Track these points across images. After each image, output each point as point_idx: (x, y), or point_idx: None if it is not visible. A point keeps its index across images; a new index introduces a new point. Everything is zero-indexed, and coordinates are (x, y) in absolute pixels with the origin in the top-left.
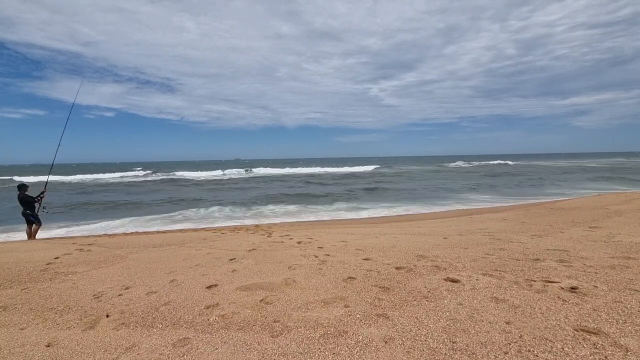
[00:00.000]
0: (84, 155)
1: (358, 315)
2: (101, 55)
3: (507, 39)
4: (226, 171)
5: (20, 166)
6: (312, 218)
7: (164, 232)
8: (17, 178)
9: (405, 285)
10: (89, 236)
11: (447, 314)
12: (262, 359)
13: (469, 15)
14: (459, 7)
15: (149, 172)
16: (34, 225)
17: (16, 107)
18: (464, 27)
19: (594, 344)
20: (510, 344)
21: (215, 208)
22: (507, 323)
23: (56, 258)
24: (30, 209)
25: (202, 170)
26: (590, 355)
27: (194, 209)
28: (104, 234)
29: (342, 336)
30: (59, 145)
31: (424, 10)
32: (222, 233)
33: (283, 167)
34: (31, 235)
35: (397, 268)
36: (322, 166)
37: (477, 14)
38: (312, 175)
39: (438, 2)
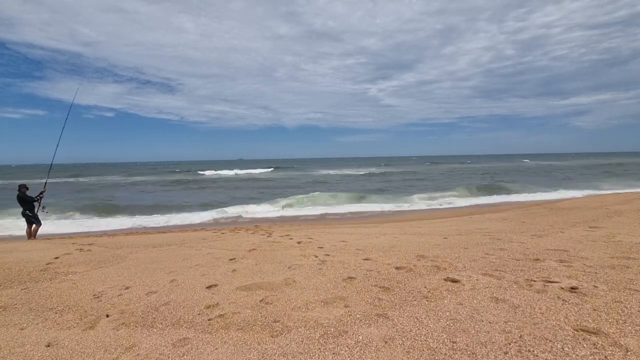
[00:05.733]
0: (83, 155)
1: (358, 315)
2: (101, 56)
3: (505, 39)
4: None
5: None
6: None
7: (163, 232)
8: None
9: (405, 285)
10: (89, 236)
11: (447, 314)
12: (262, 359)
13: (466, 16)
14: (457, 8)
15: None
16: (34, 225)
17: (16, 107)
18: (461, 28)
19: (594, 344)
20: (510, 344)
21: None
22: (507, 323)
23: (56, 258)
24: (30, 209)
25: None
26: (590, 355)
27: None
28: (103, 234)
29: (342, 336)
30: (57, 146)
31: (422, 11)
32: (222, 233)
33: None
34: (31, 235)
35: (397, 268)
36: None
37: (474, 15)
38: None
39: (436, 3)
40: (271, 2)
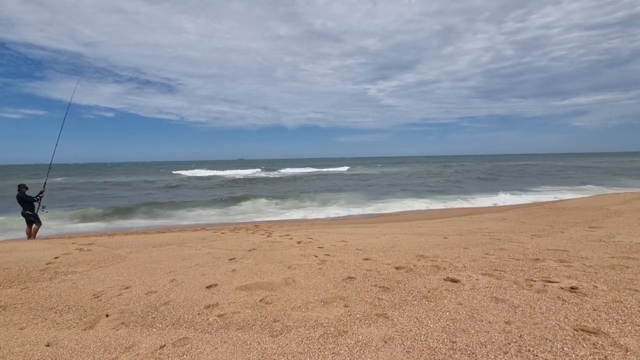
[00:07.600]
0: (83, 155)
1: (358, 315)
2: (101, 56)
3: (504, 40)
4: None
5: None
6: None
7: (163, 232)
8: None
9: (405, 285)
10: (88, 236)
11: (447, 313)
12: (262, 359)
13: (465, 17)
14: (456, 9)
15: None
16: (34, 225)
17: (16, 107)
18: (461, 29)
19: (594, 344)
20: (510, 344)
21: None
22: (507, 323)
23: (56, 258)
24: (30, 208)
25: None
26: (590, 355)
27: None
28: (103, 234)
29: (342, 336)
30: (56, 145)
31: (421, 12)
32: (222, 233)
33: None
34: (31, 235)
35: (397, 268)
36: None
37: (473, 15)
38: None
39: (435, 4)
40: (271, 3)
